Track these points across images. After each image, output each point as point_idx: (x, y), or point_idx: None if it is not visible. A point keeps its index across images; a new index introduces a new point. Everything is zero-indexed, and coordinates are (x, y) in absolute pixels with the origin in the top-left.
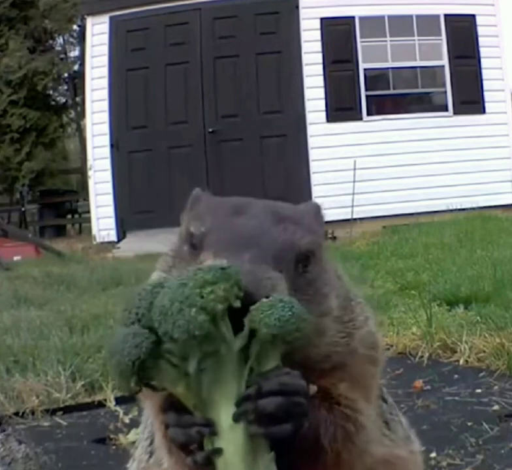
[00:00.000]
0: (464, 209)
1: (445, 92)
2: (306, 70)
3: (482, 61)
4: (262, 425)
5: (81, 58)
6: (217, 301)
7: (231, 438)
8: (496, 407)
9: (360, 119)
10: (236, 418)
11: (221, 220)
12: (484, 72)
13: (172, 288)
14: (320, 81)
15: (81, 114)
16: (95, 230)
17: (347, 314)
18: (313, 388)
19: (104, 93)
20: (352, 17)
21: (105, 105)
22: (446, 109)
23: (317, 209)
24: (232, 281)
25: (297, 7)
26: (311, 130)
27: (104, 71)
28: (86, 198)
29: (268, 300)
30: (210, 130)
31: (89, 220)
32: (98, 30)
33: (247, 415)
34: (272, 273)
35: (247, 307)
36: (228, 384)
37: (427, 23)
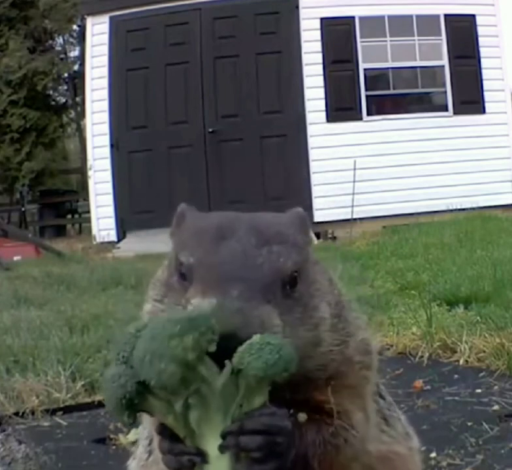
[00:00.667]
0: (464, 209)
1: (445, 92)
2: (306, 70)
3: (482, 61)
4: (244, 463)
5: (81, 58)
6: (187, 350)
7: (219, 466)
8: (496, 407)
9: (360, 119)
10: (221, 451)
11: (207, 250)
12: (484, 72)
13: (145, 340)
14: (320, 81)
15: (81, 114)
16: (95, 230)
17: (341, 322)
18: (302, 417)
19: (104, 93)
20: (352, 17)
21: (105, 105)
22: (446, 109)
23: (302, 217)
24: (203, 328)
25: (297, 7)
26: (311, 130)
27: (104, 71)
28: (86, 198)
29: (256, 342)
30: (210, 130)
31: (89, 220)
32: (98, 30)
33: (230, 448)
34: (262, 309)
35: (236, 344)
36: (215, 418)
37: (427, 23)
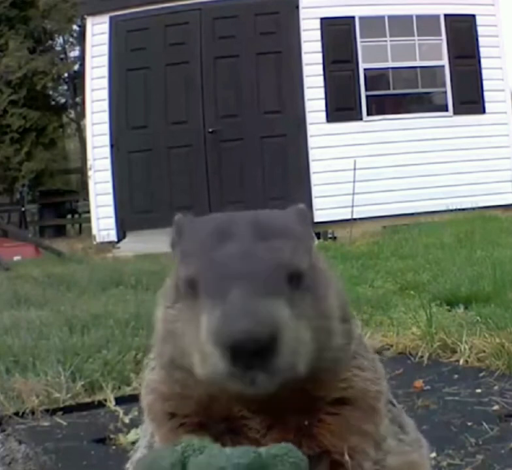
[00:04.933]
0: (464, 209)
1: (445, 92)
2: (306, 70)
3: (482, 61)
4: None
5: (81, 58)
6: None
7: None
8: (495, 407)
9: (360, 119)
10: None
11: (207, 255)
12: (484, 72)
13: None
14: (320, 81)
15: (81, 114)
16: (95, 230)
17: (346, 320)
18: None
19: (104, 93)
20: (352, 17)
21: (105, 105)
22: (446, 110)
23: (301, 212)
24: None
25: (297, 7)
26: (311, 130)
27: (104, 71)
28: (86, 198)
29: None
30: (210, 130)
31: (89, 220)
32: (98, 30)
33: None
34: (268, 304)
35: (255, 346)
36: None
37: (427, 23)
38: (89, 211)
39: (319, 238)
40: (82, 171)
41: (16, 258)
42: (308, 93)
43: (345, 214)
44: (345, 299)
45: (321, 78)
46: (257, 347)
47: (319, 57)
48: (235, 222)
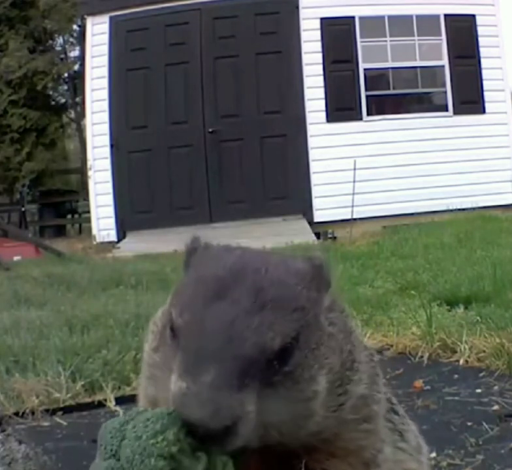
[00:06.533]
0: (464, 209)
1: (445, 92)
2: (306, 70)
3: (482, 61)
4: None
5: (81, 58)
6: (170, 445)
7: None
8: (495, 407)
9: (360, 119)
10: None
11: (196, 314)
12: (484, 72)
13: (131, 439)
14: (320, 81)
15: (81, 114)
16: (95, 230)
17: (342, 385)
18: None
19: (104, 93)
20: (352, 17)
21: (105, 105)
22: (446, 110)
23: (317, 268)
24: (179, 423)
25: (297, 7)
26: (311, 130)
27: (104, 71)
28: (86, 198)
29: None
30: (210, 130)
31: (89, 220)
32: (98, 30)
33: None
34: (234, 398)
35: (208, 433)
36: None
37: (427, 23)
38: (89, 211)
39: (319, 238)
40: (82, 171)
41: (16, 258)
42: (308, 93)
43: (345, 214)
44: (347, 357)
45: (321, 78)
46: (209, 435)
47: (319, 57)
48: (239, 278)
